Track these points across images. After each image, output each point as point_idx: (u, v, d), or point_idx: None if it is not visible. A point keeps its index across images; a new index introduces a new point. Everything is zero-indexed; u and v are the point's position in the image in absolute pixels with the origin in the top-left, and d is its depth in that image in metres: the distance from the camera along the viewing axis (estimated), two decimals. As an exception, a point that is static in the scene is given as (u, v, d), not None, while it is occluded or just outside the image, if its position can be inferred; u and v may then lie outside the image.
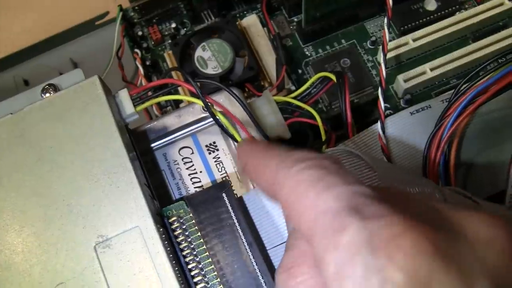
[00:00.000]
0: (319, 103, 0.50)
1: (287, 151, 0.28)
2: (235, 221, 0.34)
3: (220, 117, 0.36)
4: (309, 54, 0.53)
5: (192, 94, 0.38)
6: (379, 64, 0.48)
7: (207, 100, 0.36)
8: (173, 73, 0.50)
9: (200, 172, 0.39)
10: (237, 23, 0.52)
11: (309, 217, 0.24)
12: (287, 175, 0.26)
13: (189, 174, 0.39)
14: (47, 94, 0.36)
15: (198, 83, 0.36)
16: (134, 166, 0.33)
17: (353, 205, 0.23)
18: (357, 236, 0.22)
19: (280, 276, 0.27)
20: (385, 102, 0.49)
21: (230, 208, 0.34)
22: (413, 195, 0.26)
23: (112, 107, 0.35)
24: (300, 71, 0.52)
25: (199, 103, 0.37)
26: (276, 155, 0.28)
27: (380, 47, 0.50)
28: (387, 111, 0.49)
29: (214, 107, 0.37)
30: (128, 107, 0.36)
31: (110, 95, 0.36)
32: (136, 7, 0.54)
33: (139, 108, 0.37)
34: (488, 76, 0.38)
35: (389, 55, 0.50)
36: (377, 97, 0.44)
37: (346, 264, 0.21)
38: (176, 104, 0.51)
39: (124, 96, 0.37)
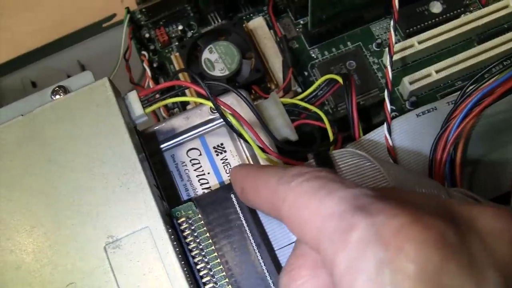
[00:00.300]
0: (325, 105, 0.50)
1: (284, 169, 0.29)
2: (244, 222, 0.34)
3: (229, 117, 0.37)
4: (315, 57, 0.53)
5: (200, 96, 0.38)
6: (385, 66, 0.48)
7: (220, 102, 0.37)
8: (180, 75, 0.51)
9: (208, 173, 0.39)
10: (244, 25, 0.53)
11: (314, 224, 0.25)
12: (288, 189, 0.27)
13: (197, 176, 0.39)
14: (57, 96, 0.36)
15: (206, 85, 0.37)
16: (144, 167, 0.34)
17: (357, 205, 0.24)
18: (366, 232, 0.22)
19: (282, 279, 0.28)
20: (391, 104, 0.49)
21: (238, 209, 0.35)
22: (420, 193, 0.27)
23: (122, 108, 0.35)
24: (306, 73, 0.52)
25: (208, 104, 0.37)
26: (273, 173, 0.29)
27: (386, 49, 0.51)
28: (393, 113, 0.49)
29: (223, 108, 0.37)
30: (137, 109, 0.37)
31: (119, 97, 0.37)
32: (143, 10, 0.54)
33: (148, 110, 0.37)
34: (494, 78, 0.38)
35: (395, 57, 0.50)
36: (383, 99, 0.44)
37: (358, 260, 0.22)
38: (183, 106, 0.51)
39: (133, 98, 0.37)
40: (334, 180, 0.26)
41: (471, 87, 0.40)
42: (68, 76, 0.54)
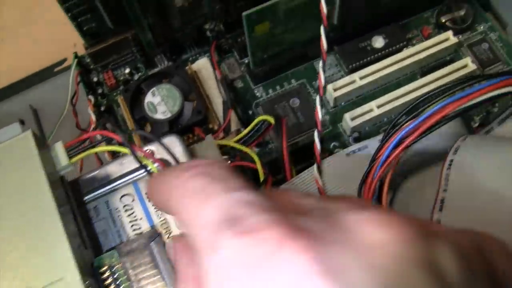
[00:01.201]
0: (269, 144, 0.51)
1: (181, 164, 0.28)
2: (162, 268, 0.35)
3: (149, 165, 0.37)
4: (259, 95, 0.54)
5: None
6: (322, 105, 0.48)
7: (140, 151, 0.37)
8: (126, 119, 0.51)
9: (141, 219, 0.40)
10: (187, 67, 0.53)
11: (191, 230, 0.24)
12: (176, 186, 0.26)
13: (130, 221, 0.40)
14: (-14, 149, 0.37)
15: (131, 133, 0.38)
16: (64, 219, 0.34)
17: (231, 217, 0.22)
18: (233, 255, 0.21)
19: None
20: (334, 140, 0.50)
21: (157, 256, 0.35)
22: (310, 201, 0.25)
23: (45, 160, 0.36)
24: (251, 112, 0.53)
25: (126, 151, 0.38)
26: (171, 170, 0.28)
27: (329, 86, 0.51)
28: (336, 150, 0.50)
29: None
30: (62, 159, 0.37)
31: (44, 148, 0.37)
32: (91, 54, 0.55)
33: (74, 159, 0.38)
34: (414, 118, 0.39)
35: (338, 93, 0.51)
36: (323, 137, 0.45)
37: (222, 280, 0.21)
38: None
39: (59, 149, 0.38)
40: (219, 180, 0.24)
41: (397, 125, 0.41)
42: (20, 120, 0.55)
